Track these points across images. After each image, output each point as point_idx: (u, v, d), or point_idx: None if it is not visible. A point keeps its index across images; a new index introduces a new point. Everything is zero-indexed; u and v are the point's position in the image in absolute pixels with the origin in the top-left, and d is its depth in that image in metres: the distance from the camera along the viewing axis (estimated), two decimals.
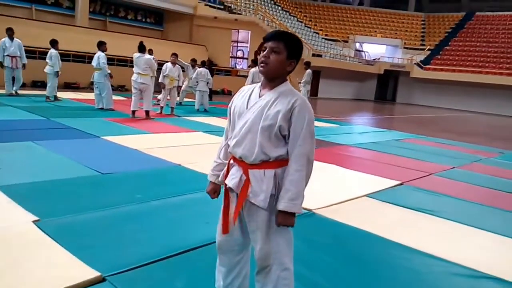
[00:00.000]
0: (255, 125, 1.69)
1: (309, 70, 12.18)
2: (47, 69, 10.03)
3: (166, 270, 2.33)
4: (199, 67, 11.51)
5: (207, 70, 11.45)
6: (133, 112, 8.55)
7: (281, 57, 1.69)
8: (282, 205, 1.65)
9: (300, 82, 12.53)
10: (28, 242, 2.47)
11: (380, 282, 2.47)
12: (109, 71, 9.27)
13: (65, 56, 15.32)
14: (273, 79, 1.74)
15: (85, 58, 14.95)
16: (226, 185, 1.80)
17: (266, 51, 1.70)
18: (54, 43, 10.10)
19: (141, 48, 8.66)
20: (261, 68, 1.71)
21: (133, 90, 8.61)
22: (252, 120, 1.70)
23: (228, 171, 1.80)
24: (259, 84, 1.80)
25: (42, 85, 13.85)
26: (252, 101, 1.75)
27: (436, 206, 4.05)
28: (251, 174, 1.70)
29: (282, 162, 1.71)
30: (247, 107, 1.75)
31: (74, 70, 13.94)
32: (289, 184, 1.66)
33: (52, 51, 10.01)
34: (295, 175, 1.66)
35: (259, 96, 1.75)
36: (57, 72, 10.01)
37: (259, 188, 1.69)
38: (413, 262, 2.78)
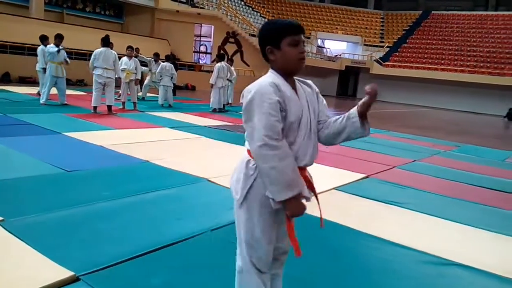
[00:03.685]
0: (313, 126, 1.60)
1: None
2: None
3: (141, 267, 2.28)
4: (163, 62, 11.30)
5: (172, 64, 11.26)
6: (95, 107, 8.29)
7: None
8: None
9: None
10: None
11: (353, 272, 2.54)
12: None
13: (20, 49, 14.66)
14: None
15: None
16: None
17: (303, 45, 1.53)
18: (42, 39, 9.45)
19: (107, 42, 8.38)
20: (302, 64, 1.54)
21: (96, 86, 8.32)
22: (311, 122, 1.59)
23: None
24: (279, 80, 1.52)
25: None
26: (299, 101, 1.56)
27: (401, 198, 4.19)
28: (308, 178, 1.64)
29: None
30: (302, 112, 1.56)
31: (30, 64, 13.37)
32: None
33: (38, 48, 9.56)
34: None
35: (296, 94, 1.56)
36: (43, 69, 9.36)
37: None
38: (384, 252, 2.87)
